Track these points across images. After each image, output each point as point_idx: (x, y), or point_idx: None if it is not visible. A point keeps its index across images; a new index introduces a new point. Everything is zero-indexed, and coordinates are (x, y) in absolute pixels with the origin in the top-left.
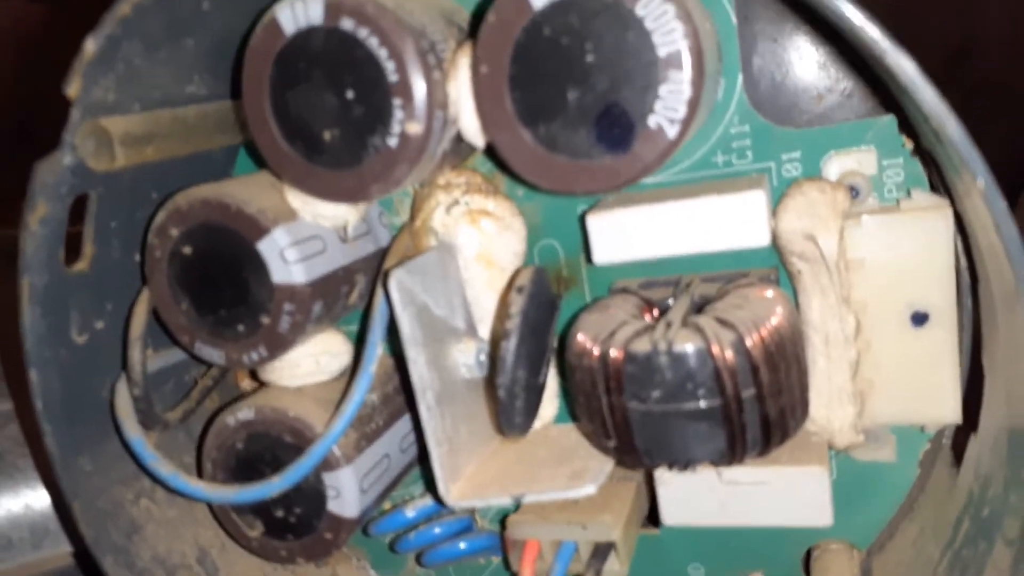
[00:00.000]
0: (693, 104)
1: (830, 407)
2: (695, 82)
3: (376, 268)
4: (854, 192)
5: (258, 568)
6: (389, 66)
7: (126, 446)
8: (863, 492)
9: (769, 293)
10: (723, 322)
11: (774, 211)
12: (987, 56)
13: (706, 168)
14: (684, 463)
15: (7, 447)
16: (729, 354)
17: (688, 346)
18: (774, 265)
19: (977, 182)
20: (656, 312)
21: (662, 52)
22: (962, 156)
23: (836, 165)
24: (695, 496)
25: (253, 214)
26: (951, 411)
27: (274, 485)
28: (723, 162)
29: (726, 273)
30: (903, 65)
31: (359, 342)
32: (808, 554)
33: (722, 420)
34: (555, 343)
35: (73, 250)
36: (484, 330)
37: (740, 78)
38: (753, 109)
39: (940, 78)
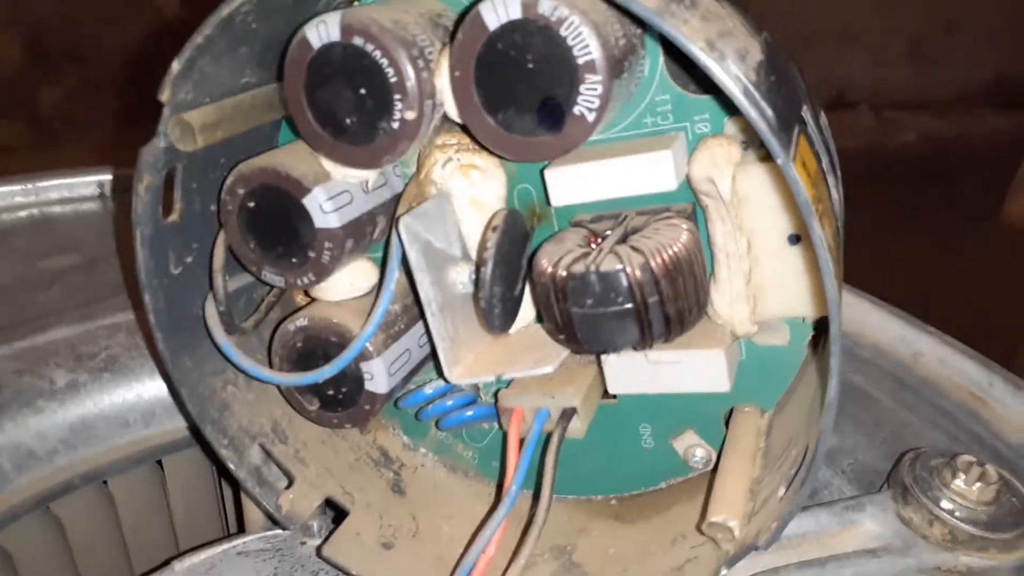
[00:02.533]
0: (605, 97)
1: (731, 305)
2: (604, 83)
3: (392, 210)
4: (745, 146)
5: (317, 433)
6: (389, 71)
7: (217, 348)
8: (766, 368)
9: (676, 226)
10: (635, 249)
11: (689, 160)
12: None
13: (638, 128)
14: (611, 348)
15: (118, 351)
16: (638, 272)
17: (610, 267)
18: (691, 201)
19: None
20: (600, 240)
21: (580, 61)
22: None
23: (733, 125)
24: (630, 371)
25: (298, 177)
26: (819, 307)
27: (325, 372)
28: (651, 123)
29: (655, 208)
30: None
31: (383, 266)
32: (729, 414)
33: (635, 318)
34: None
35: (167, 206)
36: (475, 255)
37: (661, 59)
38: (672, 82)
39: None
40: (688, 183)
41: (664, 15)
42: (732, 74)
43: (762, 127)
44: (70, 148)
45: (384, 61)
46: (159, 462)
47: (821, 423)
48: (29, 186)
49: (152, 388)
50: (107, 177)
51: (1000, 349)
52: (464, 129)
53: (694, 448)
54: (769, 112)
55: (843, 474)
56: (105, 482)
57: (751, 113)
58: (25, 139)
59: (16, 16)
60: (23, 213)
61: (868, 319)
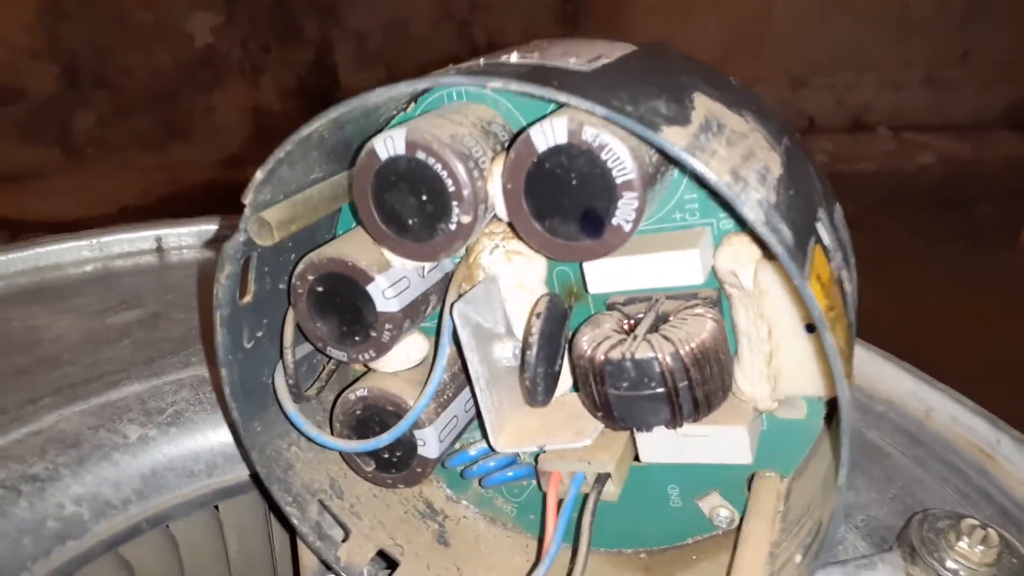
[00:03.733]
0: (640, 211)
1: (753, 385)
2: (640, 198)
3: (443, 288)
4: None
5: (369, 487)
6: (448, 182)
7: (284, 415)
8: (785, 439)
9: (703, 315)
10: (666, 338)
11: (714, 254)
12: None
13: (668, 222)
14: (644, 427)
15: (183, 406)
16: (669, 360)
17: (644, 355)
18: (716, 288)
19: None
20: (633, 322)
21: (618, 180)
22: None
23: None
24: (661, 443)
25: (364, 267)
26: (831, 388)
27: (383, 440)
28: (680, 218)
29: (684, 292)
30: (745, 213)
31: (436, 340)
32: (751, 478)
33: (666, 401)
34: (568, 340)
35: (242, 289)
36: (519, 332)
37: None
38: (698, 184)
39: None
40: (714, 274)
41: (695, 151)
42: (753, 202)
43: (780, 251)
44: (101, 171)
45: (444, 173)
46: (216, 506)
47: (834, 504)
48: (93, 241)
49: (213, 439)
50: (164, 231)
51: (1016, 380)
52: (511, 225)
53: (718, 508)
54: (787, 232)
55: (857, 529)
56: (167, 525)
57: (771, 240)
58: (58, 162)
59: (51, 45)
60: (89, 268)
61: (882, 375)
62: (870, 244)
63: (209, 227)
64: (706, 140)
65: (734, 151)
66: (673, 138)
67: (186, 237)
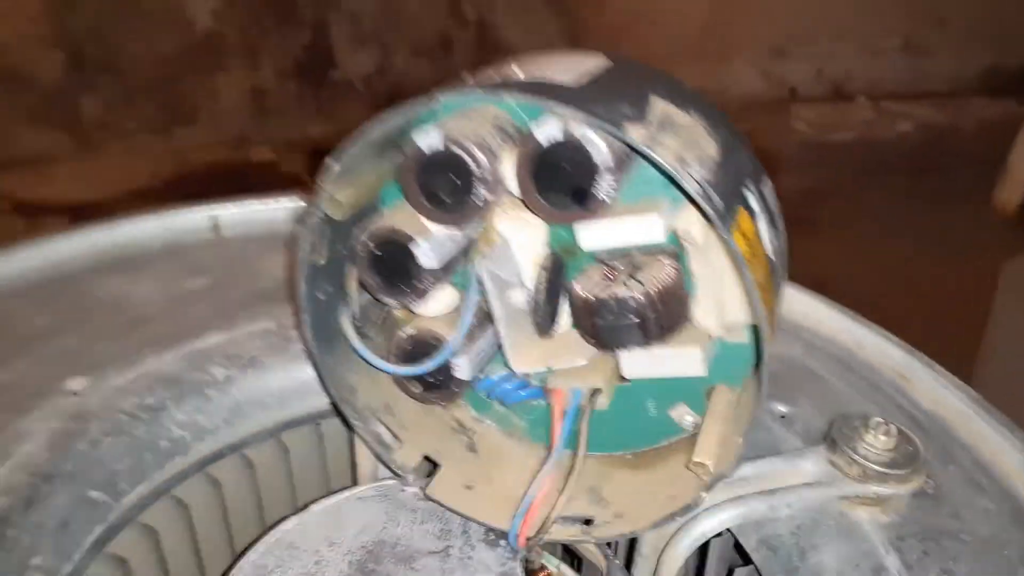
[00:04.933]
0: (617, 187)
1: (706, 316)
2: (616, 178)
3: (471, 248)
4: None
5: (415, 408)
6: (474, 167)
7: (353, 349)
8: (734, 358)
9: (667, 265)
10: (639, 282)
11: (675, 217)
12: None
13: (642, 194)
14: (624, 347)
15: (257, 353)
16: (641, 298)
17: (623, 295)
18: (676, 244)
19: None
20: (615, 272)
21: (600, 166)
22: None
23: None
24: (638, 361)
25: (409, 233)
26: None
27: (428, 366)
28: (649, 191)
29: (653, 247)
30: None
31: (466, 290)
32: (711, 391)
33: (639, 328)
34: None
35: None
36: (529, 281)
37: None
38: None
39: None
40: (674, 233)
41: (651, 143)
42: (692, 180)
43: (711, 213)
44: (109, 155)
45: (471, 162)
46: (280, 436)
47: (759, 397)
48: (162, 218)
49: (283, 379)
50: (218, 211)
51: (969, 337)
52: (521, 200)
53: (685, 415)
54: (718, 200)
55: (797, 434)
56: (244, 452)
57: (705, 206)
58: (67, 146)
59: (57, 31)
60: (158, 242)
61: (821, 316)
62: (849, 209)
63: (256, 206)
64: (659, 134)
65: (680, 141)
66: (635, 135)
67: (237, 215)
